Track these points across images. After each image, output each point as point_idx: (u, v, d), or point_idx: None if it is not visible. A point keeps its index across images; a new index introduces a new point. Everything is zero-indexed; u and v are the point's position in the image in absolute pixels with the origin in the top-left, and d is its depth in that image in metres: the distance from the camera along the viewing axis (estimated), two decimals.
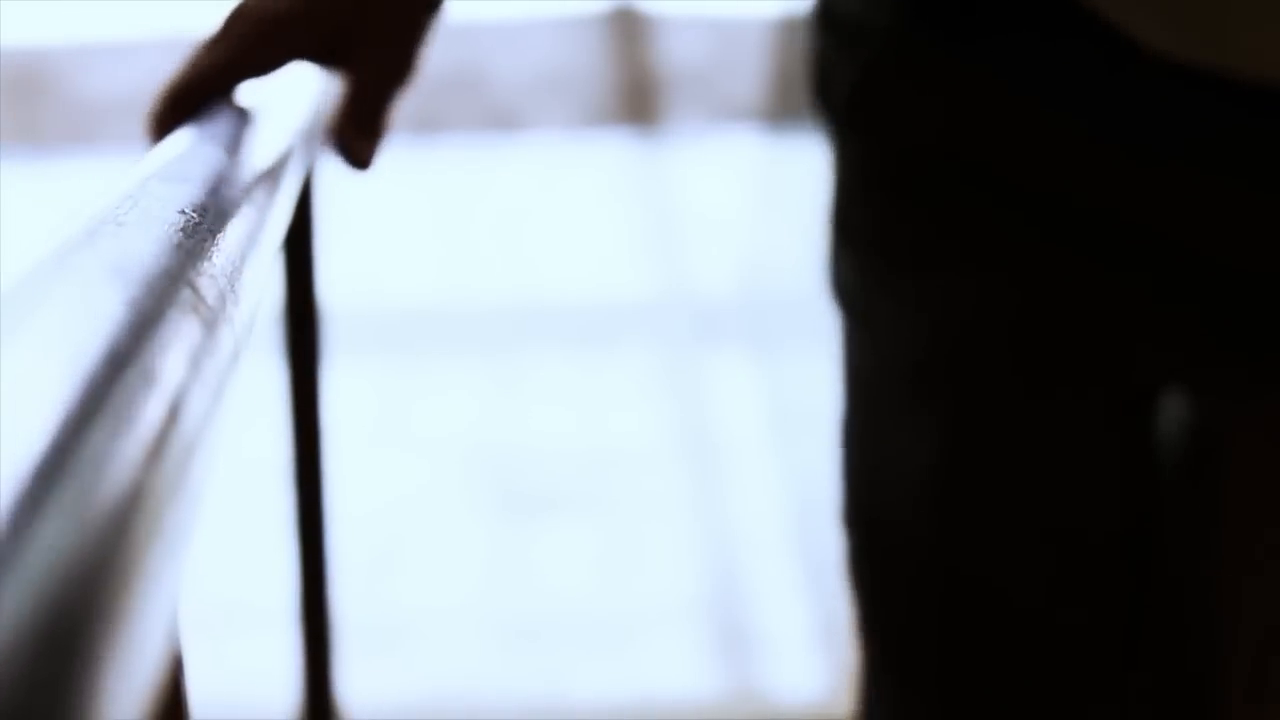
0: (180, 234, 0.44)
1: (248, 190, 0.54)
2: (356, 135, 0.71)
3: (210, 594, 1.86)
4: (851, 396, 0.79)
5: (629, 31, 9.80)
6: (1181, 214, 0.68)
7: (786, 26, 10.82)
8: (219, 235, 0.47)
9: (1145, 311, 0.71)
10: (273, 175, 0.61)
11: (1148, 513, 0.74)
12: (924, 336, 0.74)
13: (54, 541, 0.26)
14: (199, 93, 0.68)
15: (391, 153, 3.19)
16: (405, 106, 3.57)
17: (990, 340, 0.73)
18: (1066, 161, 0.70)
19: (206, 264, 0.43)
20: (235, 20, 0.69)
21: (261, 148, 0.62)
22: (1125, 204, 0.69)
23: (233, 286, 0.45)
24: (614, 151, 6.11)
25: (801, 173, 7.77)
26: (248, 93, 0.74)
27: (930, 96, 0.73)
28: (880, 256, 0.75)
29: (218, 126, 0.62)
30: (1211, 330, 0.70)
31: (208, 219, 0.47)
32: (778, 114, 11.03)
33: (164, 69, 3.47)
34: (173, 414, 0.35)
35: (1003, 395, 0.72)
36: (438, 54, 3.70)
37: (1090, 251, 0.70)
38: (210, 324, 0.41)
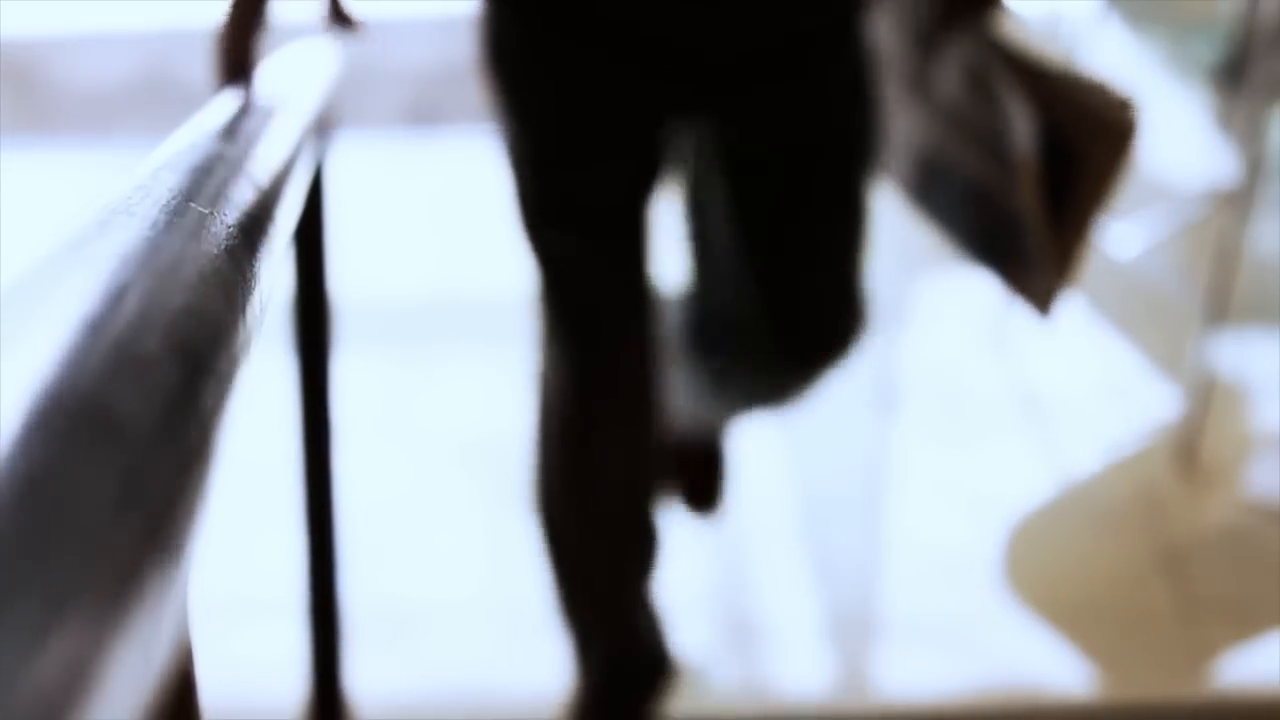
0: (191, 224, 0.44)
1: (259, 183, 0.54)
2: None
3: (219, 585, 1.86)
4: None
5: None
6: (665, 21, 1.21)
7: None
8: (230, 226, 0.47)
9: (656, 88, 1.26)
10: (284, 168, 0.61)
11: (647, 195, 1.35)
12: (534, 118, 1.30)
13: (66, 527, 0.26)
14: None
15: (392, 145, 3.21)
16: (406, 99, 3.58)
17: (562, 115, 1.28)
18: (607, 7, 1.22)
19: (217, 254, 0.43)
20: None
21: (273, 141, 0.62)
22: (639, 23, 1.22)
23: (244, 276, 0.45)
24: None
25: None
26: (262, 85, 0.74)
27: None
28: (516, 80, 1.28)
29: (231, 119, 0.62)
30: (696, 91, 1.26)
31: (219, 210, 0.47)
32: None
33: (155, 62, 3.49)
34: (182, 402, 0.35)
35: (572, 141, 1.30)
36: (438, 46, 3.70)
37: (621, 58, 1.24)
38: (221, 313, 0.41)
